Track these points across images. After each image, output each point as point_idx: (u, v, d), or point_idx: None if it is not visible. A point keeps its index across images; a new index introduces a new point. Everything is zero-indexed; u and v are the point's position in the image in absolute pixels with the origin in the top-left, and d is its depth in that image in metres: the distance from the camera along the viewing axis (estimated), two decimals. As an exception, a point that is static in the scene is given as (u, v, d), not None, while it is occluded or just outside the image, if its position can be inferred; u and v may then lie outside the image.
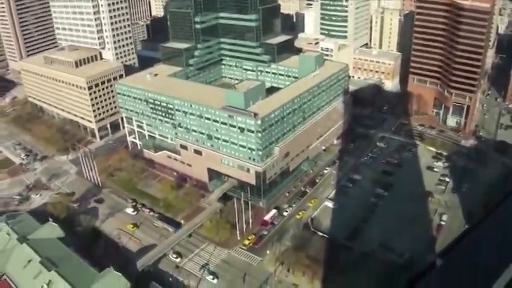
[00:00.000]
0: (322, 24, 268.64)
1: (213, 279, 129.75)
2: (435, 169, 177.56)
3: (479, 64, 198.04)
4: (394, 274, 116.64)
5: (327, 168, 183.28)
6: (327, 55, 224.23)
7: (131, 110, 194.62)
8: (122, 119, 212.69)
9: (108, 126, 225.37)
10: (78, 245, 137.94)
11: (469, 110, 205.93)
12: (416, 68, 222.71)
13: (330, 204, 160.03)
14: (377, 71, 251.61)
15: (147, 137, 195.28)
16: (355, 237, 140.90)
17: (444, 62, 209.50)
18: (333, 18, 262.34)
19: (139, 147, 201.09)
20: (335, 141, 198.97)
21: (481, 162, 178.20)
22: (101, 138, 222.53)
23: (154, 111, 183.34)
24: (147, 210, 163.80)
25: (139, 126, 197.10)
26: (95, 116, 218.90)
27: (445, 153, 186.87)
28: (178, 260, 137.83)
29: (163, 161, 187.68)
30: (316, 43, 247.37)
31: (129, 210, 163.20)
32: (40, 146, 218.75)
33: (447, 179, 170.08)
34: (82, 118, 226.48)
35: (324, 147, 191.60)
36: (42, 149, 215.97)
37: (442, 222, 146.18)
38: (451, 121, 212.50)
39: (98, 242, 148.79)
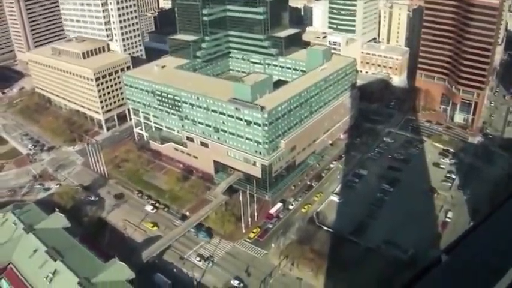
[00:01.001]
0: (330, 18, 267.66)
1: (239, 284, 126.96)
2: (441, 166, 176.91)
3: (488, 61, 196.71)
4: (398, 270, 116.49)
5: (333, 162, 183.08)
6: (334, 49, 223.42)
7: (138, 102, 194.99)
8: (129, 110, 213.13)
9: (115, 117, 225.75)
10: (84, 236, 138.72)
11: (476, 107, 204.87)
12: (425, 64, 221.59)
13: (335, 198, 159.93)
14: (385, 66, 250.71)
15: (153, 129, 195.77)
16: (360, 232, 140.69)
17: (452, 58, 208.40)
18: (341, 12, 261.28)
19: (145, 139, 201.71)
20: (342, 136, 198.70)
21: (487, 159, 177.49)
22: (108, 129, 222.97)
23: (161, 103, 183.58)
24: (161, 208, 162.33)
25: (146, 118, 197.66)
26: (102, 107, 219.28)
27: (451, 150, 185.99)
28: (201, 263, 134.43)
29: (170, 153, 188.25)
30: (324, 37, 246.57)
31: (149, 208, 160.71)
32: (47, 137, 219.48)
33: (453, 176, 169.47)
34: (89, 109, 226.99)
35: (330, 142, 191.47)
36: (49, 139, 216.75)
37: (448, 219, 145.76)
38: (459, 118, 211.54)
39: (104, 232, 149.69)
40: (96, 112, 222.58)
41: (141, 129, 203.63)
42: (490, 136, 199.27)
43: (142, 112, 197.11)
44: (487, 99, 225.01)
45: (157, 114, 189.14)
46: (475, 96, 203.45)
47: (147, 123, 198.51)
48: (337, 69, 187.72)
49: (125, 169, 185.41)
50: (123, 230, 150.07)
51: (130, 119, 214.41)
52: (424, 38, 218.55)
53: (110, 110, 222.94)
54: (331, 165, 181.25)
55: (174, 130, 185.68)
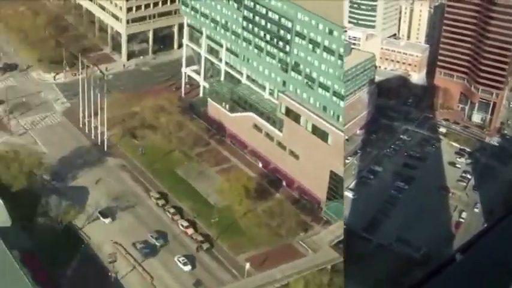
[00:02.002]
0: (350, 12, 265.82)
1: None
2: (457, 165, 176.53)
3: (508, 60, 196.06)
4: (410, 268, 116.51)
5: (349, 158, 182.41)
6: (354, 44, 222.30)
7: (204, 14, 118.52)
8: (181, 28, 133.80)
9: (150, 36, 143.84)
10: (31, 253, 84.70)
11: (495, 107, 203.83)
12: (444, 62, 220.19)
13: (349, 194, 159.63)
14: (404, 63, 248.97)
15: (222, 76, 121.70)
16: (372, 229, 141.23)
17: (473, 57, 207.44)
18: (362, 7, 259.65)
19: (201, 94, 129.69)
20: (358, 132, 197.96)
21: (504, 160, 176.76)
22: (130, 57, 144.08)
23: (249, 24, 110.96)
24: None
25: (211, 50, 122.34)
26: (128, 10, 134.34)
27: (468, 150, 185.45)
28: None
29: (243, 133, 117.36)
30: (344, 31, 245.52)
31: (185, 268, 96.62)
32: (10, 46, 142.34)
33: (469, 176, 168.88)
34: (103, 9, 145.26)
35: (346, 137, 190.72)
36: (13, 50, 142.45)
37: (461, 220, 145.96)
38: (476, 117, 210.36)
39: (72, 255, 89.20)
40: (116, 18, 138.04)
41: (197, 72, 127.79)
42: (508, 137, 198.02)
43: (207, 37, 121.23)
44: (506, 99, 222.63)
45: (238, 46, 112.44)
46: (494, 96, 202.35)
47: (212, 62, 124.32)
48: (356, 65, 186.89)
49: (145, 143, 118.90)
50: (109, 261, 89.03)
51: (180, 47, 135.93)
52: (445, 35, 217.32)
53: (142, 20, 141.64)
54: (346, 161, 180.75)
55: (264, 87, 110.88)
